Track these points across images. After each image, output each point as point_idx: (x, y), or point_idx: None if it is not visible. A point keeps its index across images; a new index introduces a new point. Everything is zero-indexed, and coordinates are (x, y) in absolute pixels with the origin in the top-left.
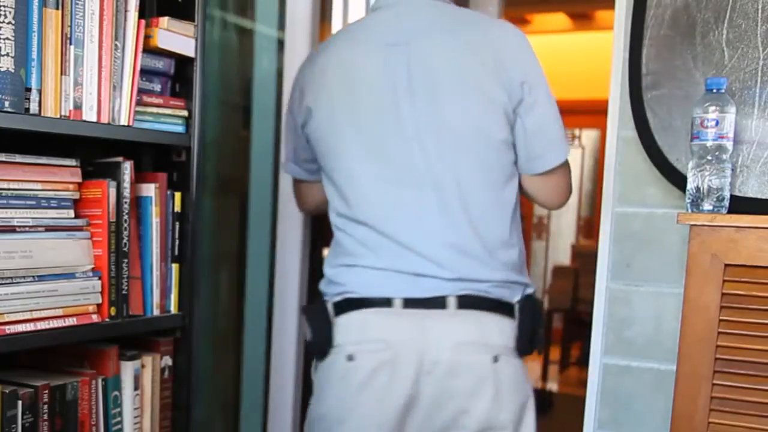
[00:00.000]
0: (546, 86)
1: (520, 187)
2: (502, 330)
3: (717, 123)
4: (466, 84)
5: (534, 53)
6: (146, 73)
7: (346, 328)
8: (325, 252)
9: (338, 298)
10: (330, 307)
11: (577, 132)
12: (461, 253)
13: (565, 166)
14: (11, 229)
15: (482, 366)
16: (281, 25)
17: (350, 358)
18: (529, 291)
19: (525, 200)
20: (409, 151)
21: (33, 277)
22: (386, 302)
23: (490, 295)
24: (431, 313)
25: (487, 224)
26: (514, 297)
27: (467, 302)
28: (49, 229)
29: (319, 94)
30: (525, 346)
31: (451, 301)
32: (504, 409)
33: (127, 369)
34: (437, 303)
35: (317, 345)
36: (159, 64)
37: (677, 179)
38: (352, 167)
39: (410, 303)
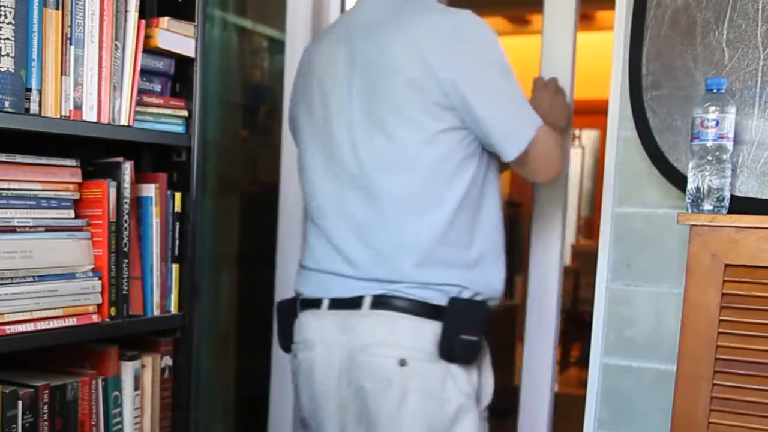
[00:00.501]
0: (489, 75)
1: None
2: (418, 333)
3: (717, 123)
4: (399, 78)
5: (479, 41)
6: (146, 73)
7: (296, 327)
8: None
9: (299, 298)
10: (297, 305)
11: (577, 132)
12: (379, 252)
13: (537, 145)
14: (11, 230)
15: (388, 369)
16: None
17: (295, 356)
18: (466, 294)
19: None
20: (342, 147)
21: (33, 277)
22: (318, 303)
23: (409, 296)
24: (351, 314)
25: (411, 222)
26: (444, 299)
27: (381, 303)
28: (50, 229)
29: (293, 88)
30: (444, 351)
31: (366, 302)
32: (411, 415)
33: (128, 369)
34: (355, 303)
35: (279, 341)
36: (159, 64)
37: (677, 179)
38: (306, 160)
39: (335, 303)
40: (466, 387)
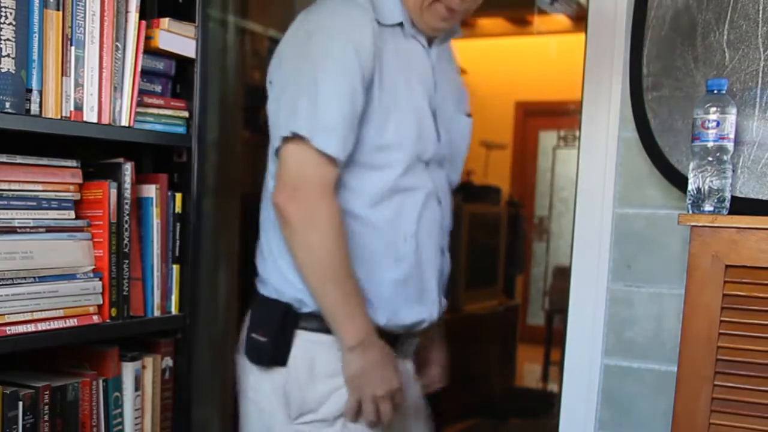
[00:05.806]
0: (285, 68)
1: None
2: (244, 325)
3: (718, 124)
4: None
5: (295, 37)
6: (147, 74)
7: None
8: None
9: None
10: None
11: (577, 133)
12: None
13: (291, 155)
14: (12, 230)
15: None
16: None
17: None
18: (263, 292)
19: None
20: None
21: (34, 278)
22: None
23: (258, 289)
24: None
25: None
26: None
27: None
28: (50, 230)
29: None
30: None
31: None
32: (240, 405)
33: (128, 370)
34: None
35: None
36: (160, 65)
37: (678, 180)
38: None
39: None
40: (266, 390)
